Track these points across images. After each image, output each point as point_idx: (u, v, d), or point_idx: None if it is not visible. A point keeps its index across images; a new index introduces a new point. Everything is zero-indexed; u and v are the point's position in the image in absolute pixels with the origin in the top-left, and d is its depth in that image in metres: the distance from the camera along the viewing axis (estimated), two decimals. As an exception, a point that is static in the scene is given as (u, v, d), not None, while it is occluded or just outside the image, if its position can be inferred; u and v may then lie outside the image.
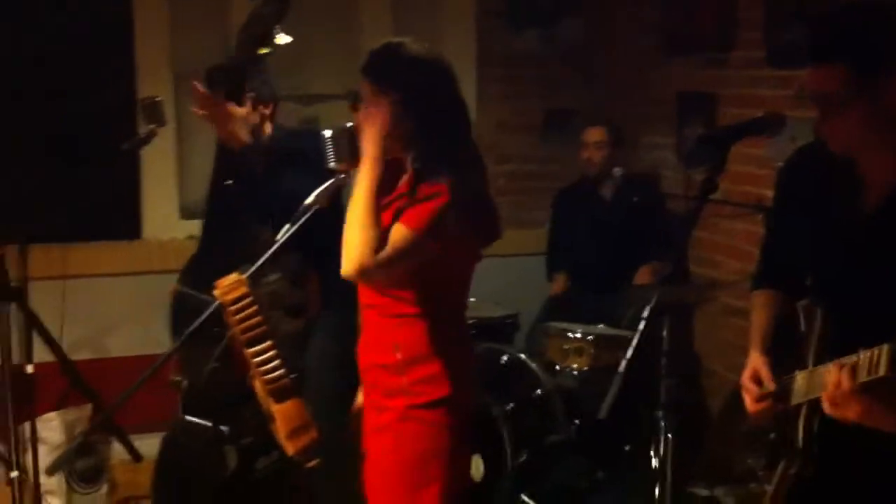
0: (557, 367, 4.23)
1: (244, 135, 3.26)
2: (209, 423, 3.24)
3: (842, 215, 2.11)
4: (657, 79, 5.17)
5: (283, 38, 3.17)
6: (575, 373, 4.20)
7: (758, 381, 2.22)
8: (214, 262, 3.24)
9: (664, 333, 3.46)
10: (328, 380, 3.25)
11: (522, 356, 4.20)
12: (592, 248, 4.79)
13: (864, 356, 1.86)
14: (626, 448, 4.17)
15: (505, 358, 4.20)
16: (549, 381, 4.12)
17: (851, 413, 1.89)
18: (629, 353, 2.41)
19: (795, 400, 2.14)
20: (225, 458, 3.30)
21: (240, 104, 3.25)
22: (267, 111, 3.38)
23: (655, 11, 5.16)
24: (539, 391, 4.09)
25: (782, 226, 2.34)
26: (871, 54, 1.96)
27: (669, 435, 3.46)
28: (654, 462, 3.44)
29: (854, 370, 1.87)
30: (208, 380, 3.11)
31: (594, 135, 4.78)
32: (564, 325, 4.33)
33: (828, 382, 1.93)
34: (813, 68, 2.03)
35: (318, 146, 3.42)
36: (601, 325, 4.31)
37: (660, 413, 3.44)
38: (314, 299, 3.31)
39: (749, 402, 2.23)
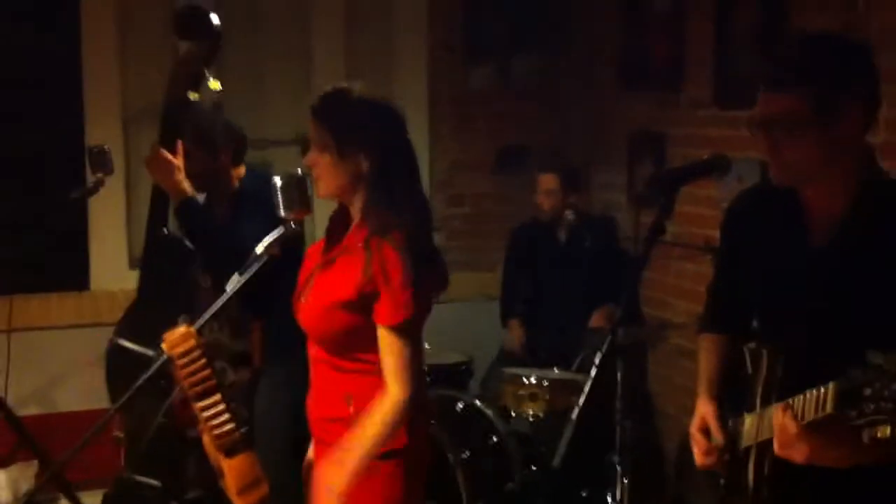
0: (513, 413, 4.20)
1: (186, 185, 3.19)
2: (153, 481, 3.17)
3: (789, 254, 2.12)
4: (610, 116, 5.22)
5: (213, 83, 3.15)
6: (530, 419, 4.18)
7: (706, 430, 2.22)
8: (151, 313, 3.20)
9: (618, 376, 3.45)
10: (277, 432, 3.20)
11: (477, 402, 4.17)
12: (547, 291, 4.79)
13: (810, 395, 1.87)
14: (584, 494, 4.14)
15: (460, 405, 4.17)
16: (504, 427, 4.09)
17: (799, 454, 1.89)
18: (581, 399, 2.39)
19: (745, 443, 2.13)
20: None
21: (172, 151, 3.18)
22: (226, 158, 3.35)
23: (610, 48, 5.22)
24: (495, 438, 4.06)
25: (728, 268, 2.35)
26: (829, 82, 1.98)
27: (625, 479, 3.44)
28: (612, 506, 3.42)
29: (802, 410, 1.87)
30: (152, 436, 3.05)
31: (547, 182, 4.76)
32: (518, 370, 4.32)
33: (775, 424, 1.93)
34: (770, 94, 2.03)
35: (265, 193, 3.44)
36: (555, 370, 4.30)
37: (615, 457, 3.43)
38: (258, 349, 3.26)
39: (697, 455, 2.23)
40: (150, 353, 3.07)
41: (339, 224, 2.50)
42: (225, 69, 4.98)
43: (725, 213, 2.33)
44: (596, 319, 4.53)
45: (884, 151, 2.32)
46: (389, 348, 2.34)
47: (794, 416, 1.89)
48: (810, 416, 1.86)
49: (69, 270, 4.75)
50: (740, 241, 2.27)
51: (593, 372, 2.94)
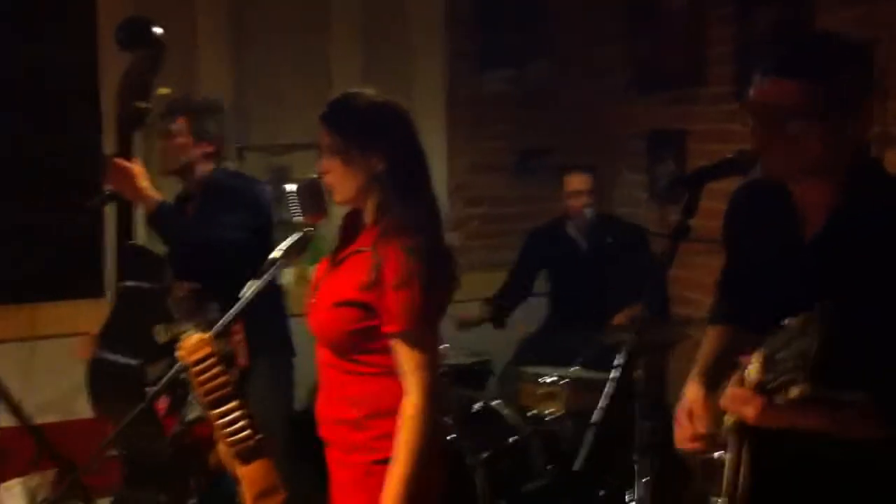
0: (532, 413, 4.18)
1: (151, 191, 3.24)
2: (152, 494, 3.17)
3: (781, 248, 2.12)
4: (627, 116, 5.20)
5: (162, 90, 3.19)
6: (549, 418, 4.16)
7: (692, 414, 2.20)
8: (127, 324, 3.23)
9: (639, 376, 3.44)
10: (273, 427, 3.20)
11: (495, 403, 4.16)
12: (568, 290, 4.76)
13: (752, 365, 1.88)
14: (603, 493, 4.12)
15: (478, 405, 4.16)
16: (523, 427, 4.08)
17: (751, 410, 1.88)
18: (603, 401, 2.37)
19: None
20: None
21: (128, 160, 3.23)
22: (209, 150, 3.43)
23: (624, 49, 5.21)
24: (513, 438, 4.05)
25: (731, 262, 2.34)
26: (846, 78, 1.96)
27: (647, 479, 3.43)
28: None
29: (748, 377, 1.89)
30: (146, 449, 3.06)
31: (576, 182, 4.72)
32: (537, 369, 4.30)
33: (728, 391, 1.95)
34: (776, 78, 2.00)
35: (250, 191, 3.43)
36: (576, 367, 4.28)
37: (636, 457, 3.41)
38: (242, 349, 3.26)
39: (677, 438, 2.21)
40: (132, 362, 3.09)
41: (350, 228, 2.50)
42: (244, 76, 5.03)
43: (726, 208, 2.32)
44: (619, 318, 4.48)
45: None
46: (402, 353, 2.32)
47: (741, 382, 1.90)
48: (751, 384, 1.87)
49: (86, 278, 4.75)
50: (738, 236, 2.28)
51: (614, 373, 2.93)
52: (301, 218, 2.46)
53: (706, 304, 4.82)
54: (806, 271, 2.05)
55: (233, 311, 2.42)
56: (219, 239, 3.27)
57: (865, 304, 1.93)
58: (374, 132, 2.38)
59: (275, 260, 2.44)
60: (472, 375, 4.43)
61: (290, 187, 2.47)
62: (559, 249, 4.85)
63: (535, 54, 5.38)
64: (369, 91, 2.46)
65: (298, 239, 2.45)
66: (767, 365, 1.80)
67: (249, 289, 2.43)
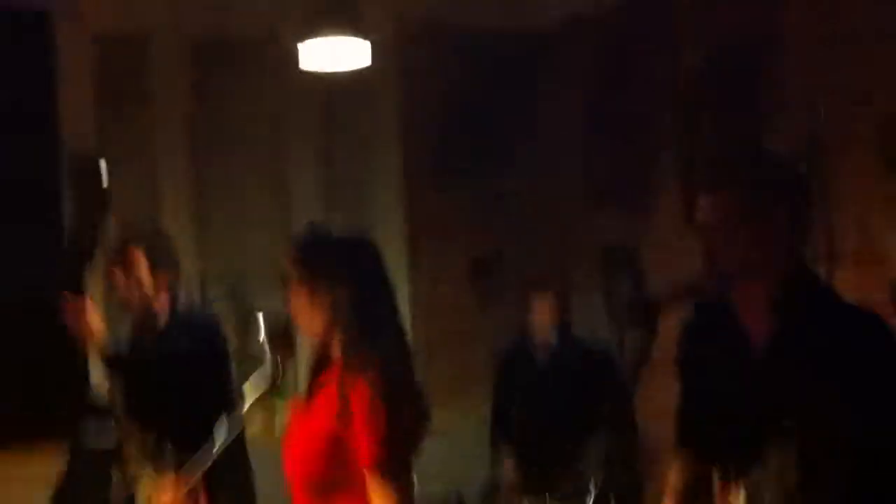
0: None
1: (102, 332, 3.28)
2: None
3: (729, 368, 2.19)
4: (581, 232, 5.28)
5: (115, 223, 3.24)
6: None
7: None
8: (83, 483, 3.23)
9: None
10: None
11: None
12: (533, 416, 4.70)
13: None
14: None
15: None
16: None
17: None
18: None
19: None
20: None
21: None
22: (163, 279, 3.44)
23: (578, 165, 5.32)
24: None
25: (686, 386, 2.39)
26: (755, 183, 2.11)
27: None
28: None
29: None
30: None
31: (544, 302, 4.65)
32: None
33: None
34: (705, 195, 2.16)
35: (202, 332, 3.44)
36: (549, 497, 4.23)
37: None
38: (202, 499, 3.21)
39: None
40: None
41: (320, 360, 2.50)
42: (203, 195, 5.07)
43: (678, 335, 2.38)
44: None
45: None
46: (376, 490, 2.31)
47: None
48: None
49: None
50: (691, 360, 2.34)
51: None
52: (270, 355, 2.48)
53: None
54: (754, 387, 2.12)
55: (204, 455, 2.44)
56: (168, 381, 3.28)
57: (815, 417, 2.00)
58: (337, 267, 2.41)
59: (244, 394, 2.46)
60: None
61: (261, 331, 2.49)
62: (526, 378, 4.73)
63: (493, 167, 5.48)
64: (337, 222, 2.53)
65: (268, 373, 2.47)
66: (754, 496, 1.86)
67: (220, 427, 2.44)
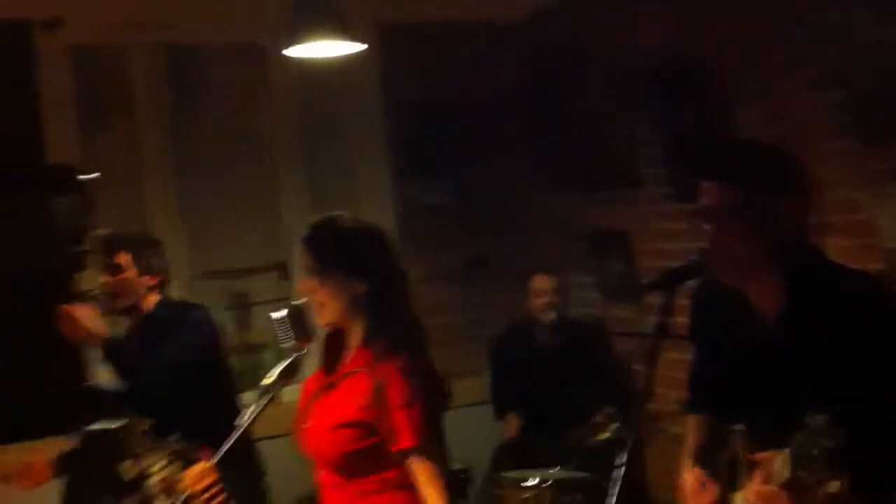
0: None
1: (100, 330, 3.30)
2: None
3: (745, 339, 2.24)
4: (570, 220, 5.33)
5: (101, 231, 3.26)
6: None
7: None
8: (94, 466, 3.25)
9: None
10: None
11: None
12: (538, 393, 4.82)
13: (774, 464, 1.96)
14: None
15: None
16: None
17: None
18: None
19: None
20: None
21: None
22: (152, 282, 3.46)
23: (555, 155, 5.36)
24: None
25: (700, 356, 2.46)
26: (755, 173, 2.15)
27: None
28: None
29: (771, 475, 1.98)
30: None
31: (541, 283, 4.92)
32: (518, 473, 4.29)
33: (753, 490, 2.03)
34: (705, 184, 2.19)
35: (190, 320, 3.46)
36: (556, 469, 4.28)
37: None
38: None
39: None
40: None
41: (334, 349, 2.54)
42: (191, 203, 5.08)
43: (690, 307, 2.43)
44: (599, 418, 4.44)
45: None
46: (416, 467, 2.37)
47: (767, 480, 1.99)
48: (779, 482, 1.96)
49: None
50: (704, 332, 2.40)
51: (617, 473, 2.94)
52: (290, 344, 2.51)
53: (670, 396, 4.91)
54: (768, 360, 2.17)
55: (229, 440, 2.46)
56: (161, 371, 3.29)
57: (820, 390, 2.04)
58: (355, 255, 2.46)
59: (268, 385, 2.49)
60: (454, 484, 4.39)
61: (277, 315, 2.52)
62: (526, 354, 4.93)
63: (470, 167, 5.49)
64: (348, 215, 2.55)
65: (289, 363, 2.50)
66: (798, 462, 1.88)
67: (244, 417, 2.47)
